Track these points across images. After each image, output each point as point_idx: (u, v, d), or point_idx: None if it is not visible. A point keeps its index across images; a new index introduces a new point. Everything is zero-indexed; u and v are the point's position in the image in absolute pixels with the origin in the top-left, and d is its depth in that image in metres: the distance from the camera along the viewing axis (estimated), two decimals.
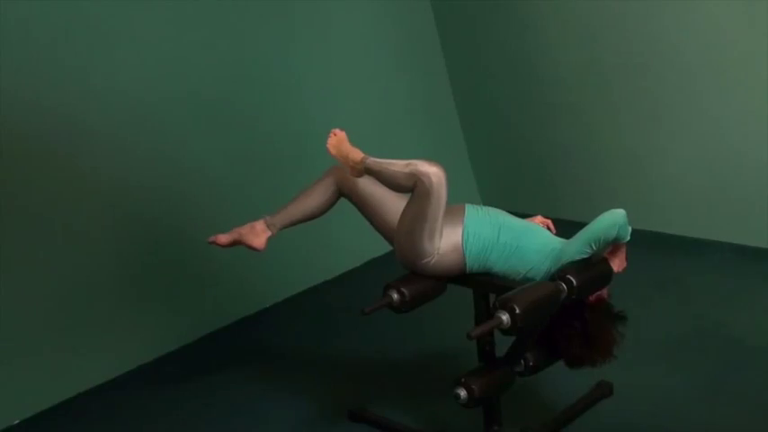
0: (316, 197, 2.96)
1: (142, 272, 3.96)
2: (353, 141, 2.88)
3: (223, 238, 2.99)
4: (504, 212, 2.83)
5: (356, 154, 2.82)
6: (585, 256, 2.64)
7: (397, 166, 2.70)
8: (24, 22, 3.52)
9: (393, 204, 2.86)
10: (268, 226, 2.95)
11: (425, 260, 2.74)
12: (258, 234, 2.96)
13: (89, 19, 3.71)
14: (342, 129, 2.89)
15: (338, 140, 2.86)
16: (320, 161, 4.55)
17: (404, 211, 2.75)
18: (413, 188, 2.67)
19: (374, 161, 2.77)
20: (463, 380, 2.68)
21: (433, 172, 2.62)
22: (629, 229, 2.68)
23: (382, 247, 3.23)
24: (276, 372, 3.79)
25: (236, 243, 2.99)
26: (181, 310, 4.11)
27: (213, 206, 4.23)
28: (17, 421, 3.56)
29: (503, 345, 2.78)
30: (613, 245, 2.74)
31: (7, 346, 3.52)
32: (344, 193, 2.95)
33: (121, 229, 3.91)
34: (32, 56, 3.55)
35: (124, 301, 3.90)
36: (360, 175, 2.83)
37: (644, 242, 3.73)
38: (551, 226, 2.91)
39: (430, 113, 5.15)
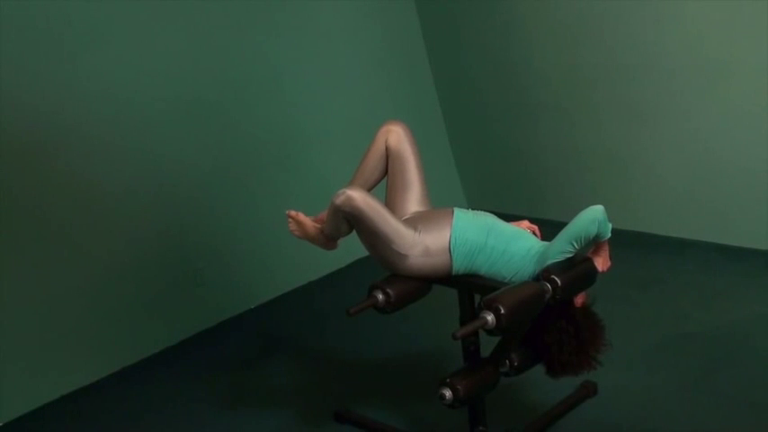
0: (374, 162, 2.91)
1: (126, 273, 3.95)
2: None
3: (309, 224, 2.92)
4: (492, 216, 2.84)
5: (315, 231, 2.87)
6: (569, 255, 2.66)
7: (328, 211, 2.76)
8: (9, 22, 3.50)
9: (408, 175, 2.87)
10: None
11: (408, 262, 2.74)
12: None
13: (75, 20, 3.70)
14: (296, 211, 2.90)
15: (298, 223, 2.90)
16: (304, 161, 4.60)
17: (359, 238, 2.79)
18: (347, 220, 2.71)
19: (324, 225, 2.83)
20: (448, 380, 2.69)
21: (345, 195, 2.66)
22: (609, 225, 2.69)
23: None
24: (262, 372, 3.78)
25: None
26: (165, 311, 4.10)
27: (198, 207, 4.22)
28: (1, 424, 3.54)
29: (488, 345, 2.79)
30: (596, 243, 2.76)
31: None
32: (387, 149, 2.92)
33: (105, 231, 3.89)
34: (19, 56, 3.54)
35: (108, 301, 3.89)
36: (329, 245, 2.88)
37: (626, 242, 3.76)
38: (538, 232, 2.92)
39: (414, 115, 5.14)
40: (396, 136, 2.86)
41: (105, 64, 3.82)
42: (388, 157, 2.88)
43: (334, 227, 2.79)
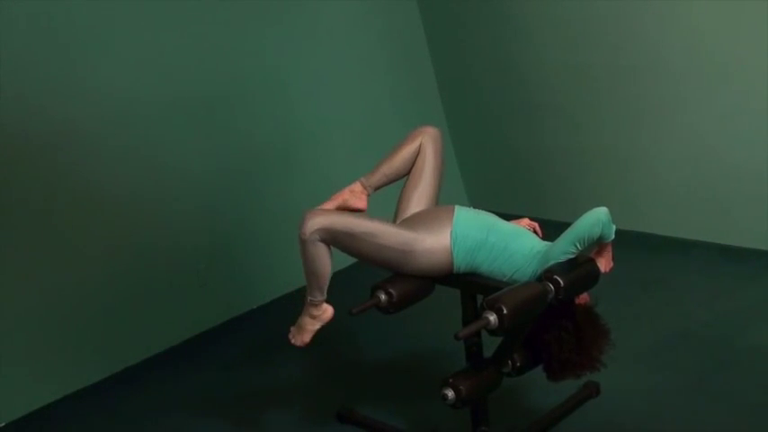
0: (405, 156, 2.94)
1: (128, 273, 3.95)
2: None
3: (328, 206, 2.93)
4: (492, 215, 2.84)
5: (302, 313, 2.87)
6: (572, 256, 2.65)
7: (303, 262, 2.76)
8: (10, 22, 3.50)
9: (424, 174, 2.91)
10: (364, 187, 2.93)
11: (409, 259, 2.73)
12: (358, 196, 2.93)
13: (77, 19, 3.70)
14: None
15: (299, 333, 2.90)
16: (306, 161, 4.60)
17: (352, 254, 2.78)
18: (324, 244, 2.70)
19: (307, 288, 2.82)
20: (451, 380, 2.69)
21: (304, 222, 2.65)
22: (613, 227, 2.69)
23: None
24: (263, 373, 3.78)
25: (339, 209, 2.93)
26: (168, 312, 4.10)
27: (200, 207, 4.23)
28: (3, 424, 3.54)
29: (490, 346, 2.79)
30: (599, 244, 2.75)
31: None
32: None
33: (107, 231, 3.89)
34: (18, 56, 3.54)
35: (110, 302, 3.89)
36: (320, 310, 2.85)
37: (629, 242, 3.75)
38: (538, 229, 2.92)
39: (417, 115, 5.13)
40: (428, 137, 2.92)
41: (106, 64, 3.82)
42: (417, 155, 2.93)
43: (312, 274, 2.74)
